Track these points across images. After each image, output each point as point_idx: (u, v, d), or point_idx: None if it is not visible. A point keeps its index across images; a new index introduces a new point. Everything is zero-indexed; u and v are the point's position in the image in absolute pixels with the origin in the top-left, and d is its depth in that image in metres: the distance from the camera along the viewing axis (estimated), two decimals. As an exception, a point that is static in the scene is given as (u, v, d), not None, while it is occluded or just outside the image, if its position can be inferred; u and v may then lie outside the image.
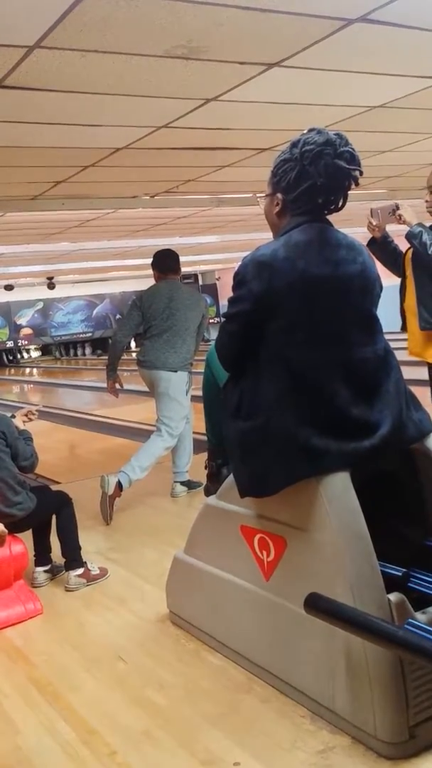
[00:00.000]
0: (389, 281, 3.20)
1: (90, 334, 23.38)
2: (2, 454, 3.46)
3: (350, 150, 2.30)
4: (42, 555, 3.74)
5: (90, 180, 5.04)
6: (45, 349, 23.13)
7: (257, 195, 2.75)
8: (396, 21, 2.74)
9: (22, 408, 3.88)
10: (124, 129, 3.84)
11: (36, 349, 22.89)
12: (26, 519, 3.52)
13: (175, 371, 4.90)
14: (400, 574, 2.30)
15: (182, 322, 4.94)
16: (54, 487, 4.66)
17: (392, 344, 2.51)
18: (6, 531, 2.27)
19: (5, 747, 2.37)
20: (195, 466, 5.01)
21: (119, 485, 4.62)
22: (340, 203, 2.41)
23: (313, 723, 2.28)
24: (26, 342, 22.48)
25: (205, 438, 3.31)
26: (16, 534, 3.45)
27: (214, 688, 2.57)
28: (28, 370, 21.18)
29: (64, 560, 3.67)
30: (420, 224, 3.72)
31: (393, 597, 2.12)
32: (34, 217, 6.60)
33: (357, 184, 2.36)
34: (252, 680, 2.57)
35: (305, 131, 2.36)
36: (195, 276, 23.04)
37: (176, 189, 5.84)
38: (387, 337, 2.47)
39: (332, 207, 2.42)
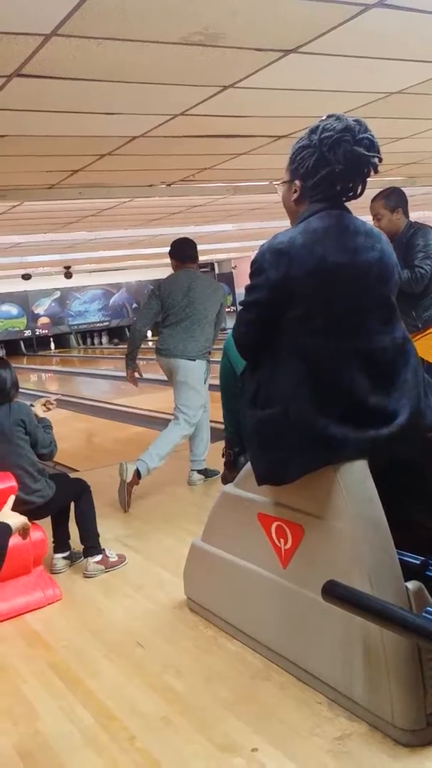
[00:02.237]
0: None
1: (107, 323, 23.45)
2: (21, 441, 3.49)
3: (369, 136, 2.28)
4: (61, 542, 3.77)
5: (106, 169, 5.04)
6: (62, 339, 23.21)
7: (275, 182, 2.74)
8: (413, 6, 2.71)
9: (41, 397, 3.91)
10: (140, 117, 3.83)
11: (65, 334, 22.92)
12: (45, 506, 3.56)
13: (194, 359, 4.91)
14: (418, 562, 2.30)
15: (201, 311, 4.94)
16: (72, 475, 4.68)
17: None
18: (29, 524, 2.29)
19: (25, 732, 2.40)
20: (212, 454, 5.03)
21: (137, 473, 4.64)
22: (359, 190, 2.39)
23: (330, 710, 2.29)
24: (45, 331, 22.57)
25: (222, 426, 3.32)
26: (35, 521, 3.48)
27: (231, 675, 2.59)
28: (45, 358, 21.24)
29: (82, 547, 3.70)
30: None
31: (411, 585, 2.12)
32: (51, 206, 6.61)
33: (376, 171, 2.34)
34: (270, 667, 2.58)
35: (324, 117, 2.34)
36: (211, 265, 23.01)
37: (193, 177, 5.82)
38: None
39: (351, 194, 2.40)
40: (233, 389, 2.81)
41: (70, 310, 22.90)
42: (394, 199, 4.27)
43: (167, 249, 5.28)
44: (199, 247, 5.31)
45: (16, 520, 2.24)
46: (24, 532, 2.29)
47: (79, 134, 4.05)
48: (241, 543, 2.76)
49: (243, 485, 2.75)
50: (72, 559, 3.79)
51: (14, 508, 2.41)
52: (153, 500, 4.84)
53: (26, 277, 18.09)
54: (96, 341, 23.80)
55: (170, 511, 4.61)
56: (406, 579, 2.16)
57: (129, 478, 4.61)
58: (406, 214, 4.30)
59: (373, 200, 4.30)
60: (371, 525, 2.21)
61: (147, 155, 4.78)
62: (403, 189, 4.42)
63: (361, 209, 2.92)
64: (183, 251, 5.14)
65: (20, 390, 3.63)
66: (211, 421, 5.19)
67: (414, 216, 4.23)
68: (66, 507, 3.73)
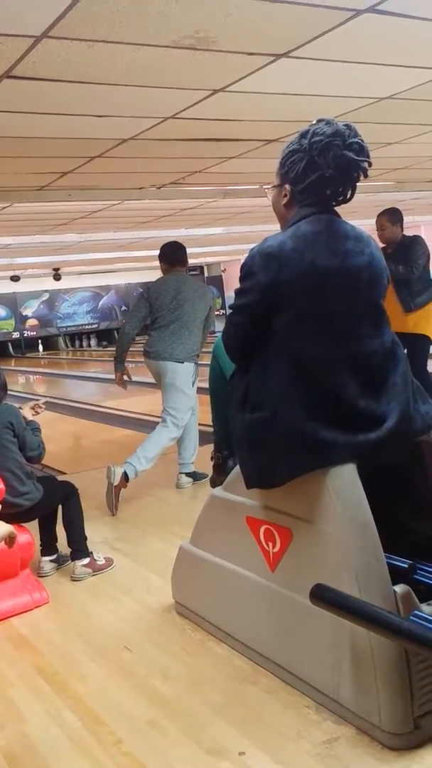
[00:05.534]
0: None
1: (95, 326, 23.41)
2: (9, 444, 3.48)
3: (359, 141, 2.29)
4: (48, 545, 3.76)
5: (96, 171, 5.04)
6: (50, 342, 23.16)
7: (265, 186, 2.74)
8: (405, 12, 2.73)
9: (28, 399, 3.89)
10: (131, 120, 3.83)
11: (54, 336, 22.84)
12: (33, 509, 3.54)
13: (182, 362, 4.90)
14: (406, 566, 2.30)
15: (189, 314, 4.94)
16: (60, 478, 4.67)
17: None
18: (15, 533, 2.28)
19: (12, 735, 2.39)
20: (201, 457, 5.03)
21: (125, 476, 4.63)
22: (349, 195, 2.40)
23: (318, 713, 2.29)
24: (33, 333, 22.50)
25: (211, 429, 3.32)
26: (22, 524, 3.46)
27: (219, 678, 2.58)
28: (33, 360, 21.17)
29: (70, 550, 3.69)
30: None
31: (399, 588, 2.13)
32: (40, 208, 6.60)
33: (366, 176, 2.35)
34: (257, 671, 2.58)
35: (314, 122, 2.35)
36: (200, 268, 23.01)
37: (183, 180, 5.83)
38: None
39: (340, 198, 2.41)
40: (222, 392, 2.81)
41: (59, 312, 22.85)
42: (396, 216, 5.71)
43: (157, 252, 5.28)
44: (189, 251, 5.32)
45: (2, 528, 2.23)
46: (10, 540, 2.28)
47: (70, 136, 4.04)
48: (230, 546, 2.76)
49: (232, 488, 2.75)
50: (59, 562, 3.77)
51: (1, 511, 2.40)
52: (141, 503, 4.83)
53: (15, 278, 18.04)
54: (84, 343, 23.76)
55: (158, 514, 4.60)
56: (394, 582, 2.16)
57: (117, 481, 4.60)
58: (402, 228, 5.75)
59: (379, 215, 5.70)
60: (360, 528, 2.21)
61: (137, 158, 4.78)
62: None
63: (350, 213, 2.93)
64: (172, 255, 5.15)
65: (9, 392, 3.61)
66: (199, 425, 5.19)
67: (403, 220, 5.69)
68: (53, 510, 3.72)
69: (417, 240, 5.77)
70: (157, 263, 5.26)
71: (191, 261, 5.80)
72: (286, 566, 2.46)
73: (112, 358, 5.27)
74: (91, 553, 3.69)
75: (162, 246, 5.22)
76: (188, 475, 5.15)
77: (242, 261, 2.44)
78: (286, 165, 2.41)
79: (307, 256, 2.29)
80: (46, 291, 21.91)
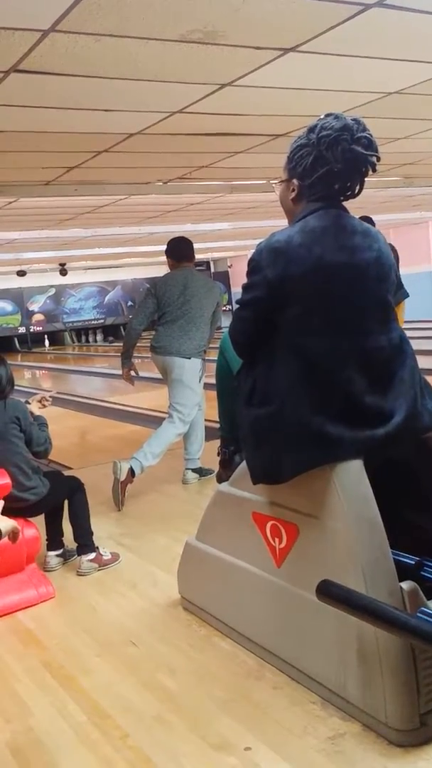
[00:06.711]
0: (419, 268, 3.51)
1: (102, 321, 23.45)
2: (16, 439, 3.48)
3: (368, 136, 2.28)
4: (54, 539, 3.76)
5: (103, 166, 5.03)
6: (57, 337, 23.20)
7: (272, 181, 2.74)
8: (413, 6, 2.71)
9: (35, 394, 3.90)
10: (138, 114, 3.83)
11: (60, 332, 22.86)
12: (39, 503, 3.55)
13: (189, 358, 4.90)
14: (413, 562, 2.30)
15: (197, 309, 4.93)
16: (66, 473, 4.67)
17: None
18: (19, 528, 2.28)
19: (18, 729, 2.40)
20: (207, 453, 5.03)
21: (131, 471, 4.64)
22: (357, 189, 2.39)
23: (324, 710, 2.29)
24: (40, 328, 22.54)
25: (217, 425, 3.32)
26: (28, 518, 3.47)
27: (225, 674, 2.58)
28: (39, 355, 21.20)
29: (76, 545, 3.69)
30: None
31: (405, 585, 2.12)
32: (47, 203, 6.60)
33: (374, 170, 2.34)
34: (263, 666, 2.58)
35: (322, 116, 2.34)
36: (207, 263, 23.00)
37: (189, 175, 5.82)
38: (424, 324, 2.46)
39: (349, 193, 2.40)
40: (229, 388, 2.80)
41: (65, 308, 22.89)
42: (368, 223, 5.62)
43: (163, 247, 5.27)
44: (195, 246, 5.31)
45: (5, 524, 2.23)
46: (14, 536, 2.28)
47: (76, 131, 4.04)
48: (236, 542, 2.76)
49: (238, 484, 2.75)
50: (65, 556, 3.78)
51: (8, 506, 2.41)
52: (147, 499, 4.83)
53: (21, 273, 18.06)
54: (91, 339, 23.78)
55: (164, 509, 4.60)
56: (401, 579, 2.15)
57: (123, 476, 4.60)
58: None
59: None
60: (366, 525, 2.21)
61: (144, 152, 4.77)
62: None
63: (358, 209, 2.92)
64: (179, 250, 5.14)
65: (16, 387, 3.61)
66: (206, 420, 5.19)
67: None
68: (59, 505, 3.72)
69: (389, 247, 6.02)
70: (163, 258, 5.25)
71: (198, 256, 5.79)
72: (292, 562, 2.45)
73: (119, 354, 5.26)
74: (97, 548, 3.70)
75: (169, 241, 5.21)
76: (194, 470, 5.15)
77: (249, 256, 2.43)
78: (294, 159, 2.40)
79: (314, 251, 2.28)
80: (52, 286, 21.94)
